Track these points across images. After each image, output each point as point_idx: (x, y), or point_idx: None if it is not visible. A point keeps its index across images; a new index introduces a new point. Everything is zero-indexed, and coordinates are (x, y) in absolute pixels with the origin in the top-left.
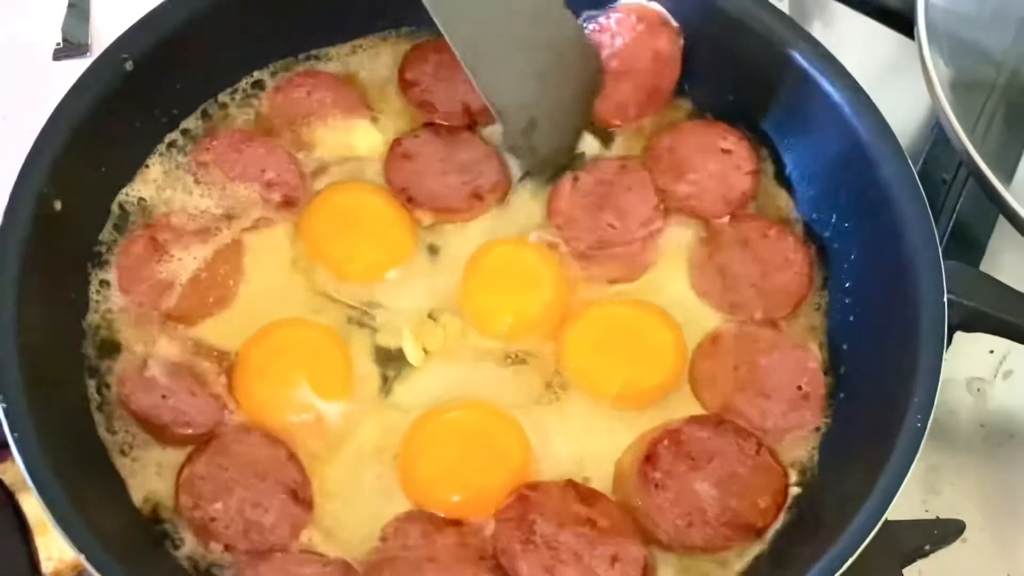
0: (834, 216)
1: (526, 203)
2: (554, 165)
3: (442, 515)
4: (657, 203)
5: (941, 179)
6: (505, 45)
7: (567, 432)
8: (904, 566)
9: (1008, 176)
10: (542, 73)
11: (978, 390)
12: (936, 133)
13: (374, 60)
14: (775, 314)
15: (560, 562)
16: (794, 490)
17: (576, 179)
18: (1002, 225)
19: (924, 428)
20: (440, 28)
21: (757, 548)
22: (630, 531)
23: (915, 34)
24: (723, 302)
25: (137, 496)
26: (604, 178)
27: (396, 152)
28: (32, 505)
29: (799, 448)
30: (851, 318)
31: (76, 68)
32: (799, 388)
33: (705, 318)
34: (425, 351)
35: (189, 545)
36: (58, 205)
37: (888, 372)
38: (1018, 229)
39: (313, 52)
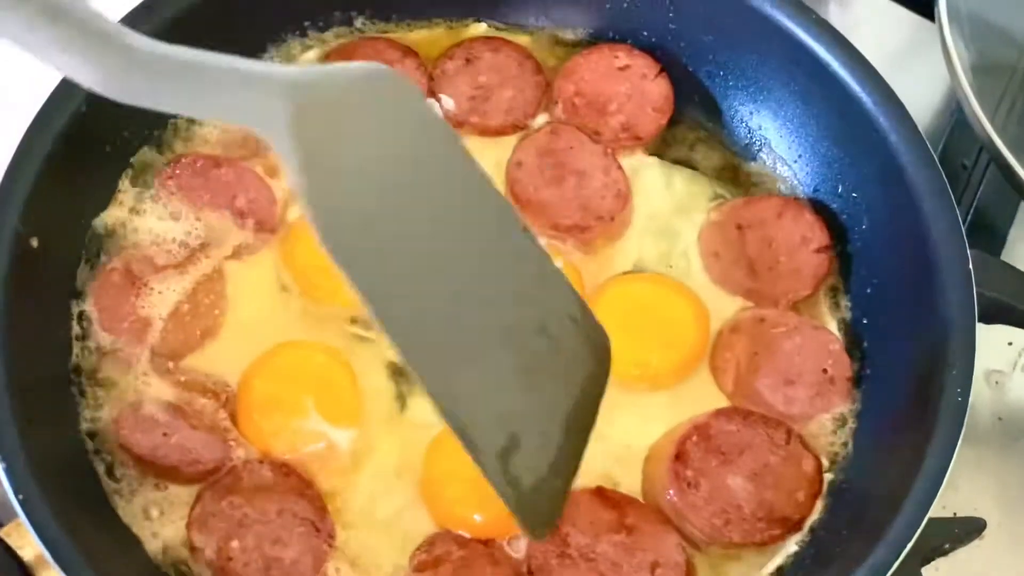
0: (840, 187)
1: None
2: (549, 507)
3: (469, 536)
4: (604, 148)
5: (961, 165)
6: (475, 336)
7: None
8: (923, 565)
9: None
10: (528, 367)
11: (996, 383)
12: (956, 117)
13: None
14: (796, 296)
15: (599, 574)
16: (828, 476)
17: (520, 164)
18: None
19: (966, 402)
20: (372, 315)
21: (794, 545)
22: (667, 535)
23: (935, 15)
24: (741, 288)
25: (151, 546)
26: (542, 149)
27: None
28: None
29: (829, 435)
30: (868, 290)
31: None
32: (824, 371)
33: (723, 304)
34: None
35: None
36: (35, 243)
37: (918, 349)
38: None
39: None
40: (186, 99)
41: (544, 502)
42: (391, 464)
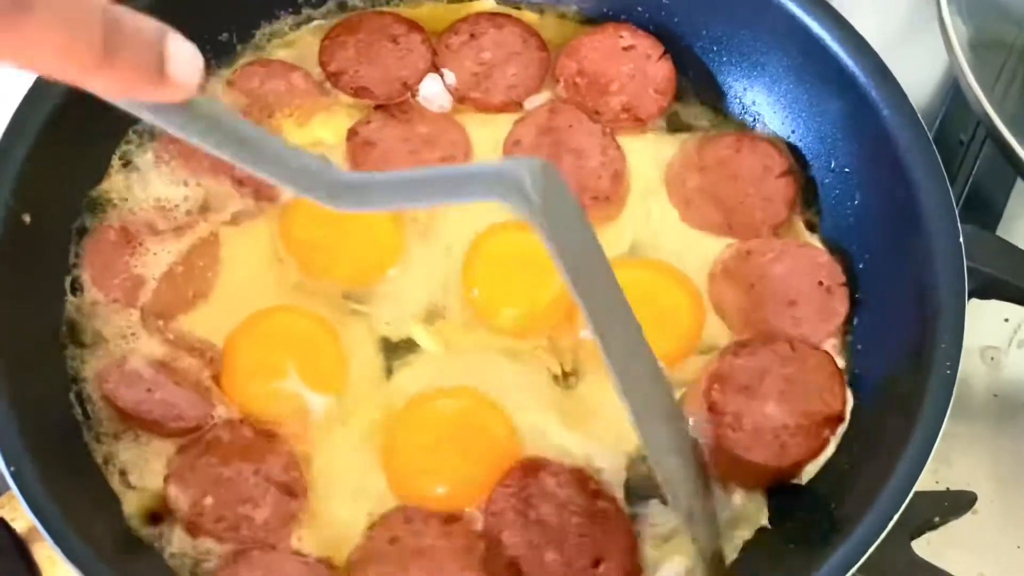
0: (833, 163)
1: None
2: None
3: (429, 509)
4: (602, 127)
5: (958, 140)
6: (650, 393)
7: (580, 422)
8: (913, 538)
9: None
10: (680, 448)
11: (992, 359)
12: (953, 93)
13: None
14: (773, 221)
15: (545, 543)
16: (841, 362)
17: (518, 142)
18: (1020, 189)
19: (955, 375)
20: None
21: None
22: (626, 539)
23: None
24: (720, 227)
25: (129, 500)
26: (541, 127)
27: (356, 142)
28: (38, 544)
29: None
30: (861, 265)
31: None
32: (820, 283)
33: (708, 247)
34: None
35: (178, 542)
36: (27, 219)
37: (909, 324)
38: None
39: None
40: (421, 200)
41: (714, 542)
42: (367, 437)
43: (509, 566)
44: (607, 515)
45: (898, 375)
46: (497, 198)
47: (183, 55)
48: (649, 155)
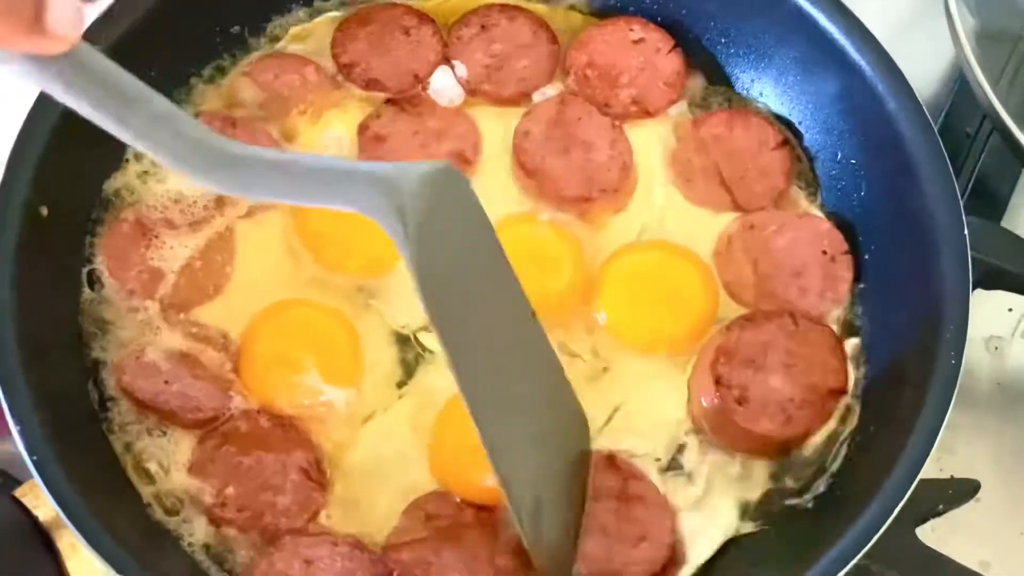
0: (839, 154)
1: (497, 170)
2: (566, 567)
3: (469, 500)
4: (612, 120)
5: (964, 133)
6: (512, 403)
7: (608, 407)
8: (917, 525)
9: None
10: (542, 437)
11: (995, 348)
12: (959, 86)
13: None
14: (774, 192)
15: (587, 533)
16: (852, 342)
17: (527, 134)
18: None
19: (959, 365)
20: (453, 368)
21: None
22: (664, 517)
23: None
24: (722, 203)
25: (148, 491)
26: (551, 120)
27: (367, 136)
28: (60, 531)
29: None
30: (867, 256)
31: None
32: (824, 252)
33: (711, 224)
34: None
35: (202, 533)
36: (44, 211)
37: (914, 313)
38: None
39: (272, 32)
40: (295, 195)
41: (562, 560)
42: (392, 423)
43: None
44: (642, 496)
45: (904, 364)
46: (367, 213)
47: (62, 4)
48: (647, 138)
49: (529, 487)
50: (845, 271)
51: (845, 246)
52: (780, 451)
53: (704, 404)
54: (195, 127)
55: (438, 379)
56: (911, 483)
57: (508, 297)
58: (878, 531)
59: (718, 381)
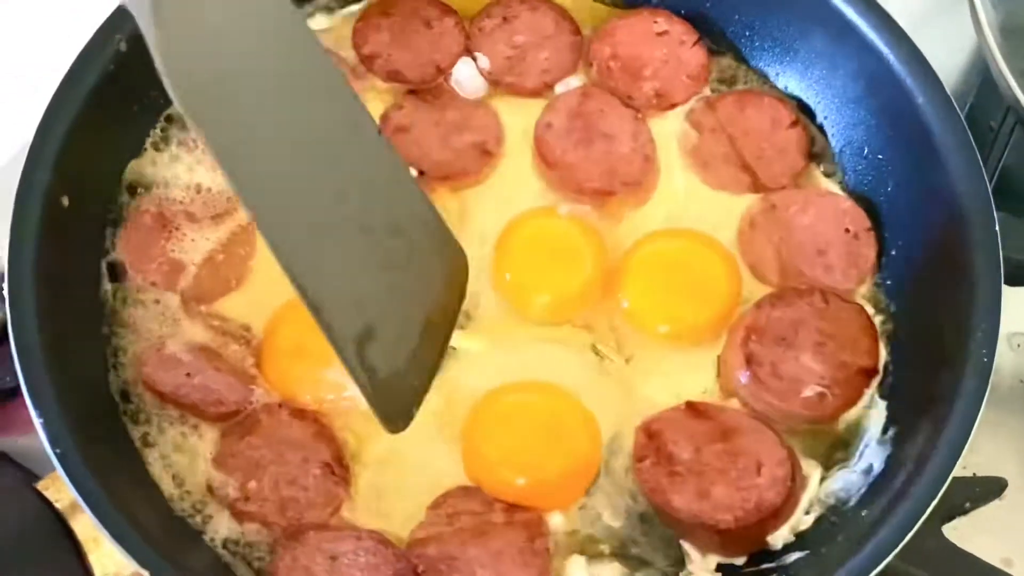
0: (866, 149)
1: (520, 164)
2: (404, 402)
3: (500, 498)
4: (635, 112)
5: (988, 126)
6: (330, 220)
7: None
8: (944, 523)
9: None
10: (384, 264)
11: (1019, 345)
12: (983, 79)
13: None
14: (793, 170)
15: (711, 484)
16: (878, 319)
17: (549, 125)
18: None
19: (991, 363)
20: (225, 176)
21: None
22: (764, 432)
23: None
24: (742, 184)
25: (168, 485)
26: (573, 112)
27: (389, 127)
28: (81, 524)
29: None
30: (894, 252)
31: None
32: (847, 230)
33: (732, 206)
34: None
35: (224, 529)
36: (65, 201)
37: (943, 311)
38: None
39: None
40: None
41: (400, 397)
42: (417, 418)
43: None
44: (736, 426)
45: (933, 364)
46: None
47: None
48: (663, 126)
49: (356, 312)
50: (868, 248)
51: (867, 223)
52: (811, 427)
53: (737, 380)
54: None
55: (463, 375)
56: (943, 483)
57: (331, 103)
58: (910, 531)
59: (749, 359)
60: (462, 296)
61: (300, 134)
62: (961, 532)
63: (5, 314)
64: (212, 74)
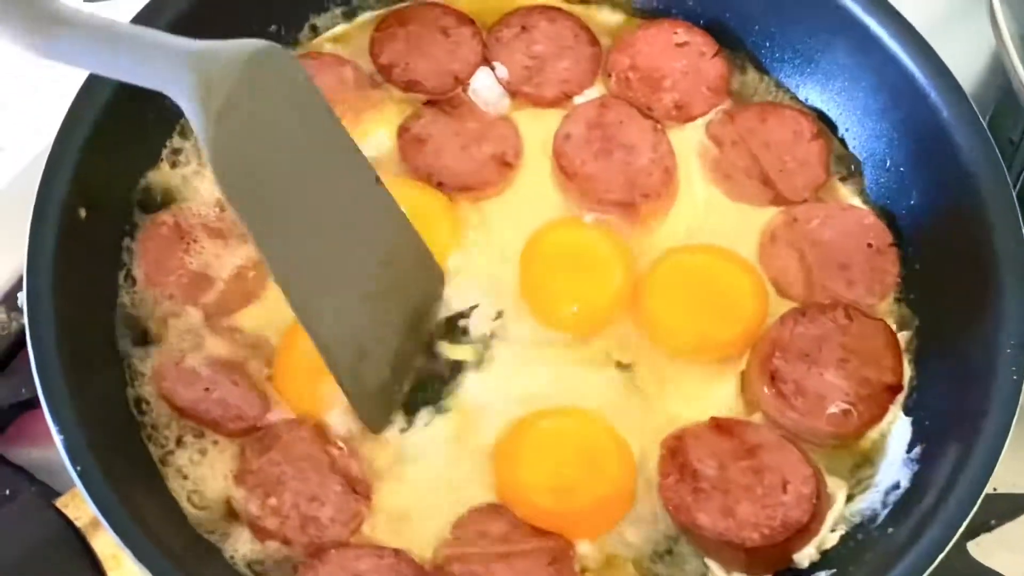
0: (888, 161)
1: (539, 175)
2: (386, 407)
3: (529, 521)
4: (654, 123)
5: (1008, 140)
6: (340, 274)
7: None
8: (968, 540)
9: None
10: (377, 294)
11: None
12: (1004, 92)
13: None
14: (815, 184)
15: (736, 501)
16: (903, 335)
17: (568, 137)
18: None
19: (1021, 381)
20: (260, 253)
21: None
22: (789, 450)
23: None
24: (763, 197)
25: (186, 504)
26: (592, 122)
27: (407, 138)
28: (101, 542)
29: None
30: (917, 266)
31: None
32: (869, 245)
33: (753, 219)
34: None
35: (245, 547)
36: (83, 213)
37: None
38: None
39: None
40: (105, 63)
41: (384, 401)
42: (436, 435)
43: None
44: (760, 442)
45: (960, 381)
46: (168, 89)
47: None
48: (683, 138)
49: (352, 341)
50: (891, 264)
51: (890, 238)
52: (837, 444)
53: (761, 396)
54: None
55: (486, 390)
56: (974, 505)
57: (343, 170)
58: (940, 553)
59: (774, 376)
60: (438, 297)
61: (323, 210)
62: (984, 548)
63: (15, 324)
64: (256, 167)
